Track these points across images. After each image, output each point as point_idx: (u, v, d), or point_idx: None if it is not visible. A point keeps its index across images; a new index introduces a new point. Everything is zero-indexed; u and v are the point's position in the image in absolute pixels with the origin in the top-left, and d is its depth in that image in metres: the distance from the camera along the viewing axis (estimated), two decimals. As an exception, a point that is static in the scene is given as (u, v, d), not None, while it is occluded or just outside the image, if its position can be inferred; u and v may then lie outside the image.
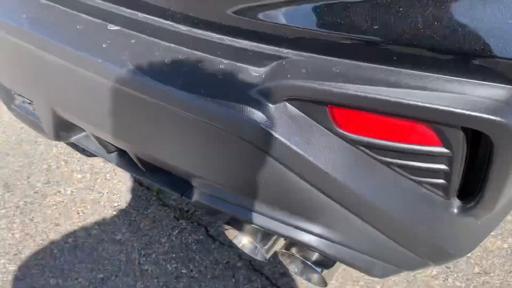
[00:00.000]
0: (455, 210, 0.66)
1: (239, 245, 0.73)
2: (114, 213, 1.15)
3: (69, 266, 1.04)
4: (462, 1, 0.48)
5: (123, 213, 1.16)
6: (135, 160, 0.79)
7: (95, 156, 0.97)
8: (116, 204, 1.18)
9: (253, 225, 0.68)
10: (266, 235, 0.70)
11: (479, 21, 0.47)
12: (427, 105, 0.50)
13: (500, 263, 1.03)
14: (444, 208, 0.66)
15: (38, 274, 1.02)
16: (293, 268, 0.71)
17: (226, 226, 0.72)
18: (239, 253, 1.06)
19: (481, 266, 1.03)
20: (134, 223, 1.12)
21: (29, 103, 0.87)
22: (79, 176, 1.25)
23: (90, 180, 1.24)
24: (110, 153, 0.85)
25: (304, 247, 0.67)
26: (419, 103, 0.50)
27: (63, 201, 1.19)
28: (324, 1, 0.52)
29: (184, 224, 1.13)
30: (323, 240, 0.64)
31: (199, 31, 0.59)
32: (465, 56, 0.49)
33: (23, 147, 1.35)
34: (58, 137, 0.85)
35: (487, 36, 0.47)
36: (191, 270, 1.03)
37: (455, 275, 1.01)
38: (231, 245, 1.07)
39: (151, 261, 1.05)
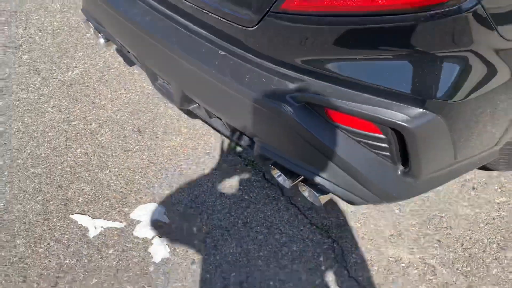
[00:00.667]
0: (399, 172, 1.16)
1: (277, 178, 1.29)
2: (206, 156, 1.77)
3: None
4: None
5: (211, 157, 1.76)
6: (225, 125, 1.37)
7: (198, 118, 1.55)
8: (208, 151, 1.79)
9: (286, 167, 1.23)
10: (292, 174, 1.25)
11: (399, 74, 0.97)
12: (373, 114, 1.01)
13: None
14: (393, 170, 1.16)
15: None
16: (305, 193, 1.25)
17: (272, 166, 1.27)
18: (283, 191, 1.63)
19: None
20: (217, 165, 1.73)
21: (167, 84, 1.47)
22: (185, 130, 1.88)
23: (192, 133, 1.86)
24: (211, 118, 1.44)
25: (312, 182, 1.21)
26: (369, 113, 1.01)
27: (174, 145, 1.82)
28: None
29: (249, 168, 1.71)
30: (321, 178, 1.17)
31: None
32: (392, 91, 0.99)
33: (149, 107, 2.00)
34: (182, 106, 1.45)
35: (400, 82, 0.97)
36: (251, 197, 1.62)
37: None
38: (278, 185, 1.64)
39: (226, 188, 1.65)
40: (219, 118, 1.39)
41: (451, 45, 0.93)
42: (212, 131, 1.86)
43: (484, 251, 1.45)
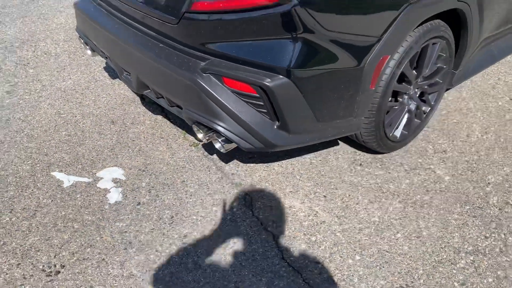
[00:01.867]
0: (275, 126, 1.69)
1: (198, 135, 1.82)
2: (161, 139, 2.30)
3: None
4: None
5: (164, 139, 2.29)
6: (167, 101, 1.92)
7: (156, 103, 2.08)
8: (162, 136, 2.32)
9: (203, 124, 1.76)
10: (208, 129, 1.77)
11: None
12: (247, 78, 1.56)
13: (340, 181, 2.00)
14: (271, 124, 1.69)
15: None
16: (216, 145, 1.77)
17: (194, 126, 1.80)
18: (214, 162, 2.14)
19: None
20: (167, 145, 2.26)
21: (129, 74, 2.04)
22: (148, 122, 2.42)
23: (153, 125, 2.41)
24: (158, 98, 1.99)
25: (219, 134, 1.74)
26: (245, 77, 1.57)
27: (138, 131, 2.36)
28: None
29: (189, 143, 2.23)
30: (223, 129, 1.69)
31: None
32: (258, 63, 1.54)
33: (123, 106, 2.56)
34: (138, 91, 2.01)
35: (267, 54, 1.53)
36: (190, 166, 2.13)
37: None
38: (212, 156, 2.15)
39: (172, 159, 2.16)
40: (163, 97, 1.94)
41: (291, 31, 1.50)
42: (168, 123, 2.40)
43: (357, 204, 1.93)
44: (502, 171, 2.11)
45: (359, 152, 2.22)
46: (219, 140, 1.75)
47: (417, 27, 1.84)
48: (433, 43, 1.97)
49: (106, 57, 2.19)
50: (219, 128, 1.70)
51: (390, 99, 1.97)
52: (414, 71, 2.01)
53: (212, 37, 1.60)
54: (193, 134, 2.29)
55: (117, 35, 1.92)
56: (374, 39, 1.65)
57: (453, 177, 2.07)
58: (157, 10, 1.69)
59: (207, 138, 1.79)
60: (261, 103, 1.63)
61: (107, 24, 1.98)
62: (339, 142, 2.28)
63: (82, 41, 2.35)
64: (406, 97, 2.08)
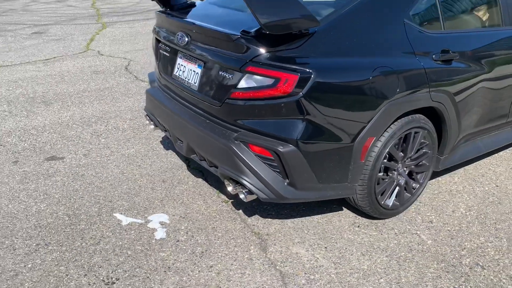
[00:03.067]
0: (286, 183, 2.25)
1: (228, 188, 2.39)
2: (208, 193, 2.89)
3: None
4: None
5: (207, 186, 2.88)
6: (208, 162, 2.54)
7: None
8: (199, 191, 2.91)
9: (233, 179, 2.34)
10: (236, 182, 2.34)
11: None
12: (266, 144, 2.17)
13: (338, 236, 2.48)
14: (283, 181, 2.25)
15: (167, 206, 2.79)
16: (241, 196, 2.33)
17: (226, 180, 2.39)
18: (235, 206, 2.68)
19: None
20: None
21: (181, 142, 2.70)
22: (191, 181, 3.04)
23: (199, 182, 3.02)
24: (201, 161, 2.62)
25: (244, 187, 2.30)
26: (265, 144, 2.18)
27: (187, 189, 2.96)
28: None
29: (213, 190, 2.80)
30: (248, 183, 2.26)
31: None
32: (274, 134, 2.16)
33: (173, 170, 3.20)
34: (188, 155, 2.66)
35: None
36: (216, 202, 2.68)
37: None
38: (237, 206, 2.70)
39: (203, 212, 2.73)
40: (205, 160, 2.57)
41: (298, 114, 2.12)
42: (206, 184, 3.01)
43: (351, 255, 2.38)
44: (477, 240, 2.52)
45: (358, 216, 2.71)
46: (244, 191, 2.32)
47: (400, 117, 2.43)
48: (415, 132, 2.54)
49: (166, 130, 2.88)
50: (244, 182, 2.28)
51: (382, 172, 2.51)
52: (400, 153, 2.56)
53: (243, 116, 2.24)
54: (225, 192, 2.87)
55: (176, 112, 2.62)
56: (362, 124, 2.25)
57: (434, 241, 2.50)
58: (206, 97, 2.39)
59: (235, 190, 2.36)
60: (276, 164, 2.22)
61: (169, 104, 2.71)
62: (343, 208, 2.79)
63: (148, 118, 3.08)
64: (395, 172, 2.60)
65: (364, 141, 2.29)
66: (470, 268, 2.31)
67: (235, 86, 2.21)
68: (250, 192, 2.30)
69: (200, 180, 3.08)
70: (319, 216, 2.72)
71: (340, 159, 2.29)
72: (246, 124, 2.25)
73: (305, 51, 2.12)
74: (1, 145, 3.55)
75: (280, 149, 2.15)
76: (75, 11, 9.52)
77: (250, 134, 2.24)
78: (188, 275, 2.23)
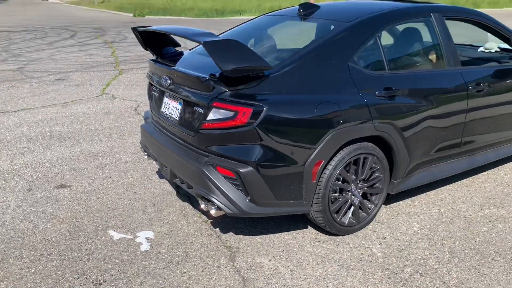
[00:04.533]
0: (247, 200, 2.67)
1: (201, 205, 2.80)
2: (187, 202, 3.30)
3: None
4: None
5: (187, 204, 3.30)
6: (186, 184, 2.98)
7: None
8: (183, 212, 3.33)
9: (205, 198, 2.77)
10: (207, 200, 2.76)
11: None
12: (230, 167, 2.61)
13: (297, 248, 2.85)
14: (245, 198, 2.66)
15: (154, 225, 3.21)
16: (211, 211, 2.74)
17: (199, 198, 2.81)
18: (217, 234, 3.08)
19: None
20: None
21: (166, 168, 3.16)
22: (178, 204, 3.47)
23: (182, 206, 3.44)
24: (182, 183, 3.06)
25: (213, 203, 2.72)
26: (229, 166, 2.62)
27: (173, 211, 3.39)
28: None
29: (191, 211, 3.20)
30: (216, 200, 2.68)
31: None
32: (236, 158, 2.60)
33: (164, 195, 3.65)
34: (171, 180, 3.11)
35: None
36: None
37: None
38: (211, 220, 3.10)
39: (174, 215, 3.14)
40: (184, 182, 3.00)
41: (254, 140, 2.57)
42: (190, 207, 3.43)
43: (307, 264, 2.74)
44: (422, 253, 2.84)
45: (320, 233, 3.07)
46: (213, 207, 2.74)
47: (349, 144, 2.84)
48: (365, 157, 2.94)
49: (155, 159, 3.35)
50: (213, 200, 2.70)
51: (337, 193, 2.90)
52: (353, 175, 2.95)
53: (212, 143, 2.70)
54: (206, 214, 3.28)
55: (162, 143, 3.10)
56: (311, 149, 2.67)
57: (383, 254, 2.84)
58: (185, 128, 2.86)
59: (206, 207, 2.78)
60: (238, 183, 2.64)
61: (158, 137, 3.19)
62: (308, 226, 3.16)
63: (143, 149, 3.57)
64: (349, 193, 2.98)
65: (314, 163, 2.70)
66: (410, 275, 2.63)
67: (205, 118, 2.68)
68: (218, 208, 2.72)
69: (186, 204, 3.50)
70: (286, 232, 3.09)
71: (293, 179, 2.70)
72: (214, 150, 2.70)
73: (260, 90, 2.59)
74: (19, 175, 4.07)
75: (240, 169, 2.58)
76: (95, 59, 10.37)
77: (218, 158, 2.68)
78: (164, 279, 2.62)
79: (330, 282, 2.57)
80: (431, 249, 2.89)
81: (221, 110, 2.60)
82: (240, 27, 3.84)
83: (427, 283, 2.56)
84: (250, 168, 2.58)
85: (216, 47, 2.49)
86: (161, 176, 4.01)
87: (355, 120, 2.79)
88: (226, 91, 2.59)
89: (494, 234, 3.05)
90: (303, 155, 2.67)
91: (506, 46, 4.13)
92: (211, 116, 2.65)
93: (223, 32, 3.87)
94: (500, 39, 3.94)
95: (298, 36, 3.54)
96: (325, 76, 2.78)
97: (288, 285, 2.55)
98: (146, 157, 3.57)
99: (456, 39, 3.59)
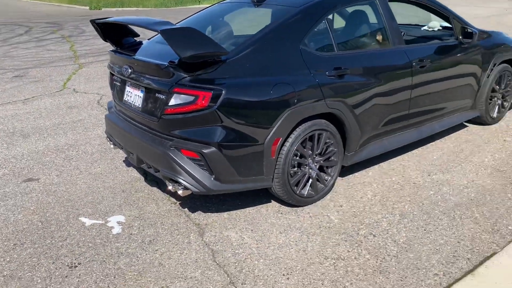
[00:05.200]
0: (212, 178, 2.85)
1: (168, 186, 2.96)
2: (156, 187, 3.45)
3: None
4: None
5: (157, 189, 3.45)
6: (153, 168, 3.12)
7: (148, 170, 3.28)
8: (152, 196, 3.48)
9: (172, 179, 2.93)
10: (174, 181, 2.92)
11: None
12: (194, 148, 2.77)
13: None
14: (210, 177, 2.84)
15: (125, 209, 3.35)
16: (179, 192, 2.90)
17: (167, 181, 2.97)
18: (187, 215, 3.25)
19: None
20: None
21: (132, 154, 3.28)
22: (143, 184, 3.61)
23: (145, 187, 3.58)
24: (149, 168, 3.20)
25: (180, 183, 2.89)
26: (193, 148, 2.78)
27: (143, 196, 3.53)
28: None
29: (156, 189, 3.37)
30: (183, 181, 2.84)
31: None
32: (198, 139, 2.77)
33: (132, 182, 3.77)
34: (138, 165, 3.24)
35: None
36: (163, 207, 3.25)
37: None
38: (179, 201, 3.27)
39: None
40: (152, 167, 3.15)
41: (216, 122, 2.74)
42: (159, 191, 3.58)
43: (271, 234, 2.95)
44: (375, 217, 3.11)
45: (283, 206, 3.29)
46: (180, 188, 2.90)
47: (304, 121, 3.05)
48: (319, 133, 3.16)
49: (121, 147, 3.47)
50: (180, 180, 2.86)
51: (296, 167, 3.11)
52: (309, 151, 3.17)
53: (176, 127, 2.85)
54: (174, 196, 3.44)
55: (127, 131, 3.22)
56: (268, 128, 2.86)
57: (340, 220, 3.09)
58: (148, 115, 3.00)
59: (173, 188, 2.95)
60: (202, 163, 2.81)
61: (122, 125, 3.31)
62: (271, 200, 3.37)
63: (108, 139, 3.68)
64: (306, 167, 3.21)
65: (272, 141, 2.90)
66: (364, 237, 2.89)
67: (167, 104, 2.82)
68: (185, 188, 2.88)
69: (155, 188, 3.65)
70: (251, 207, 3.30)
71: (254, 156, 2.89)
72: (178, 134, 2.86)
73: (218, 74, 2.76)
74: (-16, 172, 4.09)
75: (204, 150, 2.75)
76: (54, 54, 10.18)
77: (182, 141, 2.84)
78: (137, 257, 2.77)
79: (292, 248, 2.80)
80: (383, 213, 3.16)
81: (182, 95, 2.75)
82: (197, 15, 3.97)
83: (380, 242, 2.83)
84: (213, 149, 2.76)
85: (173, 35, 2.63)
86: (128, 164, 4.12)
87: (308, 99, 3.00)
88: (186, 76, 2.74)
89: (439, 196, 3.36)
90: (262, 134, 2.87)
91: (447, 24, 4.44)
92: (172, 101, 2.79)
93: (181, 21, 3.99)
94: (440, 19, 4.24)
95: (253, 22, 3.71)
96: (279, 59, 2.97)
97: (254, 254, 2.76)
98: (112, 146, 3.68)
99: (406, 20, 3.85)
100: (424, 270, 2.55)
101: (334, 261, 2.66)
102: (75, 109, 5.95)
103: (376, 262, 2.64)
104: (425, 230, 2.94)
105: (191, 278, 2.57)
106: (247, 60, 2.85)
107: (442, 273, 2.53)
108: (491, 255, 2.67)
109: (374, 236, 2.89)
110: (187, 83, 2.73)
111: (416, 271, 2.55)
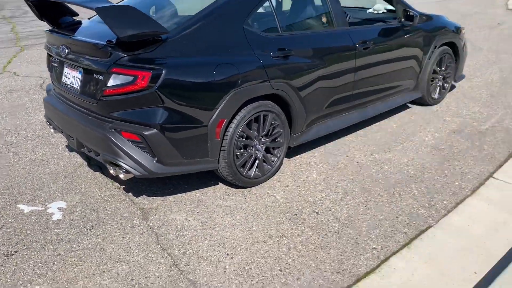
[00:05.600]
0: (155, 161, 2.80)
1: (110, 170, 2.89)
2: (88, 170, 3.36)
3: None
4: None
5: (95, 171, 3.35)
6: (93, 152, 3.03)
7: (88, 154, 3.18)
8: (95, 181, 3.38)
9: (113, 163, 2.85)
10: (116, 165, 2.85)
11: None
12: (134, 130, 2.71)
13: (207, 202, 3.05)
14: (152, 159, 2.79)
15: (66, 195, 3.24)
16: (121, 176, 2.84)
17: (108, 164, 2.89)
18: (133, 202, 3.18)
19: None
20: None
21: (72, 138, 3.17)
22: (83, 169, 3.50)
23: (84, 166, 3.48)
24: (89, 152, 3.10)
25: (122, 167, 2.82)
26: (132, 130, 2.72)
27: (85, 181, 3.42)
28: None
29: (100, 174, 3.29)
30: (124, 164, 2.78)
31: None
32: (137, 121, 2.71)
33: (75, 167, 3.65)
34: (79, 148, 3.13)
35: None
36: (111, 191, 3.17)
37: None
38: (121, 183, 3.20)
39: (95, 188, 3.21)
40: (91, 151, 3.05)
41: (156, 103, 2.68)
42: (103, 176, 3.48)
43: (217, 215, 2.95)
44: (319, 195, 3.18)
45: (230, 188, 3.30)
46: (121, 171, 2.83)
47: (249, 103, 3.04)
48: (264, 115, 3.17)
49: (61, 131, 3.34)
50: (121, 164, 2.79)
51: (242, 149, 3.11)
52: (255, 132, 3.18)
53: (115, 109, 2.77)
54: (118, 180, 3.36)
55: (66, 114, 3.10)
56: (212, 109, 2.84)
57: (286, 199, 3.14)
58: (86, 96, 2.89)
59: (115, 171, 2.87)
60: (144, 146, 2.75)
61: (61, 108, 3.18)
62: (219, 182, 3.37)
63: (48, 123, 3.52)
64: (253, 148, 3.22)
65: (217, 122, 2.88)
66: (308, 215, 2.95)
67: (105, 85, 2.73)
68: (127, 171, 2.82)
69: (98, 173, 3.55)
70: (197, 190, 3.28)
71: (198, 138, 2.86)
72: (118, 116, 2.77)
73: (158, 53, 2.69)
74: None
75: (145, 132, 2.69)
76: (-6, 36, 9.61)
77: (122, 123, 2.77)
78: (78, 242, 2.70)
79: (237, 228, 2.82)
80: (327, 191, 3.24)
81: (121, 76, 2.67)
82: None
83: (322, 219, 2.90)
84: (154, 131, 2.70)
85: (110, 13, 2.53)
86: (71, 149, 3.98)
87: (252, 80, 2.99)
88: (124, 56, 2.65)
89: (381, 174, 3.48)
90: (205, 115, 2.84)
91: (391, 7, 4.55)
92: (111, 82, 2.70)
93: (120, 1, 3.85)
94: (385, 2, 4.33)
95: (199, 2, 3.63)
96: (222, 39, 2.93)
97: (198, 235, 2.75)
98: (52, 130, 3.53)
99: (351, 2, 3.90)
100: (363, 245, 2.64)
101: (278, 239, 2.70)
102: (16, 93, 5.67)
103: (318, 238, 2.70)
104: (365, 206, 3.04)
105: (133, 261, 2.53)
106: (189, 40, 2.80)
107: (380, 247, 2.63)
108: (426, 229, 2.80)
109: (317, 213, 2.96)
110: (125, 63, 2.65)
111: (355, 245, 2.64)
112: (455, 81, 5.16)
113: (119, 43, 2.67)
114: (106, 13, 2.51)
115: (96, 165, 3.65)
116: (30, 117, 4.82)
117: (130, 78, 2.64)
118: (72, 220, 2.93)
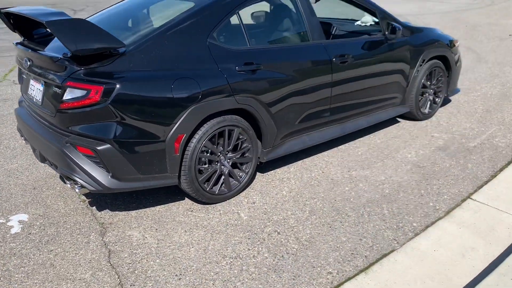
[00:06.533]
0: (109, 176, 2.75)
1: (68, 184, 2.85)
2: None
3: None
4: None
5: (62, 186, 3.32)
6: (53, 165, 3.01)
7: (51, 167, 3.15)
8: (63, 194, 3.35)
9: (70, 178, 2.82)
10: (71, 180, 2.81)
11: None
12: (87, 145, 2.67)
13: (167, 218, 2.98)
14: (107, 174, 2.74)
15: (30, 208, 3.21)
16: (76, 190, 2.80)
17: (65, 179, 2.86)
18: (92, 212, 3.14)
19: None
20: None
21: (36, 150, 3.15)
22: (47, 180, 3.48)
23: (51, 180, 3.45)
24: (51, 165, 3.07)
25: (77, 181, 2.78)
26: (85, 144, 2.68)
27: (53, 194, 3.40)
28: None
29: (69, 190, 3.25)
30: (79, 179, 2.74)
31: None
32: (94, 136, 2.66)
33: (46, 179, 3.63)
34: (42, 161, 3.11)
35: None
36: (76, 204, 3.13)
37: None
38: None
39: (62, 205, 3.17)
40: (52, 164, 3.02)
41: (110, 117, 2.63)
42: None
43: (175, 233, 2.88)
44: (285, 214, 3.08)
45: (195, 204, 3.22)
46: (77, 186, 2.79)
47: (212, 117, 2.98)
48: (230, 129, 3.10)
49: (29, 143, 3.33)
50: (76, 179, 2.75)
51: (206, 164, 3.04)
52: (220, 147, 3.10)
53: (72, 122, 2.73)
54: (86, 194, 3.33)
55: (30, 125, 3.08)
56: (170, 124, 2.78)
57: (249, 217, 3.04)
58: (46, 109, 2.87)
59: (72, 186, 2.83)
60: (98, 161, 2.71)
61: (27, 119, 3.17)
62: (185, 198, 3.30)
63: (20, 134, 3.52)
64: (217, 163, 3.14)
65: (175, 137, 2.82)
66: (268, 234, 2.85)
67: (62, 98, 2.70)
68: (82, 186, 2.78)
69: (67, 186, 3.52)
70: (161, 205, 3.21)
71: (155, 153, 2.80)
72: (75, 129, 2.74)
73: (113, 67, 2.65)
74: None
75: (98, 147, 2.65)
76: (3, 44, 9.80)
77: (78, 137, 2.73)
78: (29, 258, 2.66)
79: (193, 247, 2.74)
80: (294, 209, 3.13)
81: (75, 89, 2.64)
82: (117, 6, 3.83)
83: (282, 240, 2.79)
84: (107, 145, 2.66)
85: (61, 27, 2.50)
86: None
87: (215, 94, 2.92)
88: (79, 69, 2.62)
89: (353, 193, 3.35)
90: (163, 130, 2.78)
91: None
92: (66, 95, 2.67)
93: (100, 11, 3.85)
94: (368, 14, 4.22)
95: (172, 14, 3.60)
96: (183, 52, 2.88)
97: (152, 253, 2.68)
98: (24, 141, 3.53)
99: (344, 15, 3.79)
100: (319, 269, 2.53)
101: (231, 260, 2.61)
102: (9, 101, 5.73)
103: (273, 260, 2.60)
104: (330, 227, 2.92)
105: (79, 279, 2.47)
106: (146, 54, 2.75)
107: (336, 271, 2.51)
108: (389, 252, 2.67)
109: (279, 233, 2.86)
110: (80, 77, 2.62)
111: (311, 269, 2.53)
112: (448, 95, 4.99)
113: (75, 57, 2.64)
114: (57, 27, 2.49)
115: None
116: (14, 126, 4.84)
117: (84, 92, 2.61)
118: (30, 234, 2.90)
